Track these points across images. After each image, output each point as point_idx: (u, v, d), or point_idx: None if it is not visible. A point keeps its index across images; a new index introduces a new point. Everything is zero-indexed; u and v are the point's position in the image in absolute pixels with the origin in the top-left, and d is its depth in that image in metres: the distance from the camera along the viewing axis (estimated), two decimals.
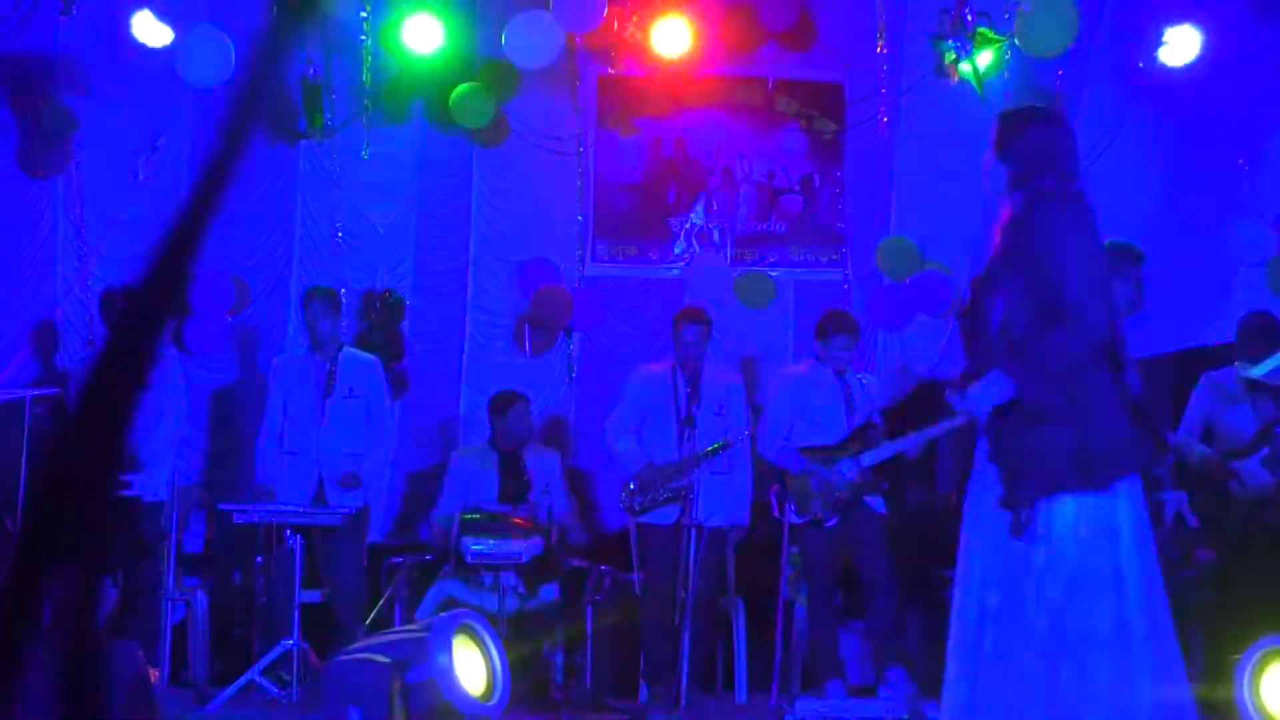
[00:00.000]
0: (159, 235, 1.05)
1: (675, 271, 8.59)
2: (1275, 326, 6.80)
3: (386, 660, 4.89)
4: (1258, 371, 6.41)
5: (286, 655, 6.26)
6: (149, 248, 1.05)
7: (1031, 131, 3.80)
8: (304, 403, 6.90)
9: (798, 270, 8.63)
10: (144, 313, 1.05)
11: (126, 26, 7.68)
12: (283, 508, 6.56)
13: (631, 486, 6.73)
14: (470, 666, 5.12)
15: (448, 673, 4.85)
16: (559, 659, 6.68)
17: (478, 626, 5.22)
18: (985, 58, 7.86)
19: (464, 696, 4.90)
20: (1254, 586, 6.35)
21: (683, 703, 6.23)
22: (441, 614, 5.55)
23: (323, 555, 6.80)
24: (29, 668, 1.01)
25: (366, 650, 5.22)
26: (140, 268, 1.05)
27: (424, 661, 4.84)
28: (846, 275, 8.60)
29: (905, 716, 5.95)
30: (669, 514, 6.59)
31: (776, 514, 6.43)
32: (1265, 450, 6.57)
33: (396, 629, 6.22)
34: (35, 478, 1.08)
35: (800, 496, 6.49)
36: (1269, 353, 6.60)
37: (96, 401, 1.04)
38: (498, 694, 5.12)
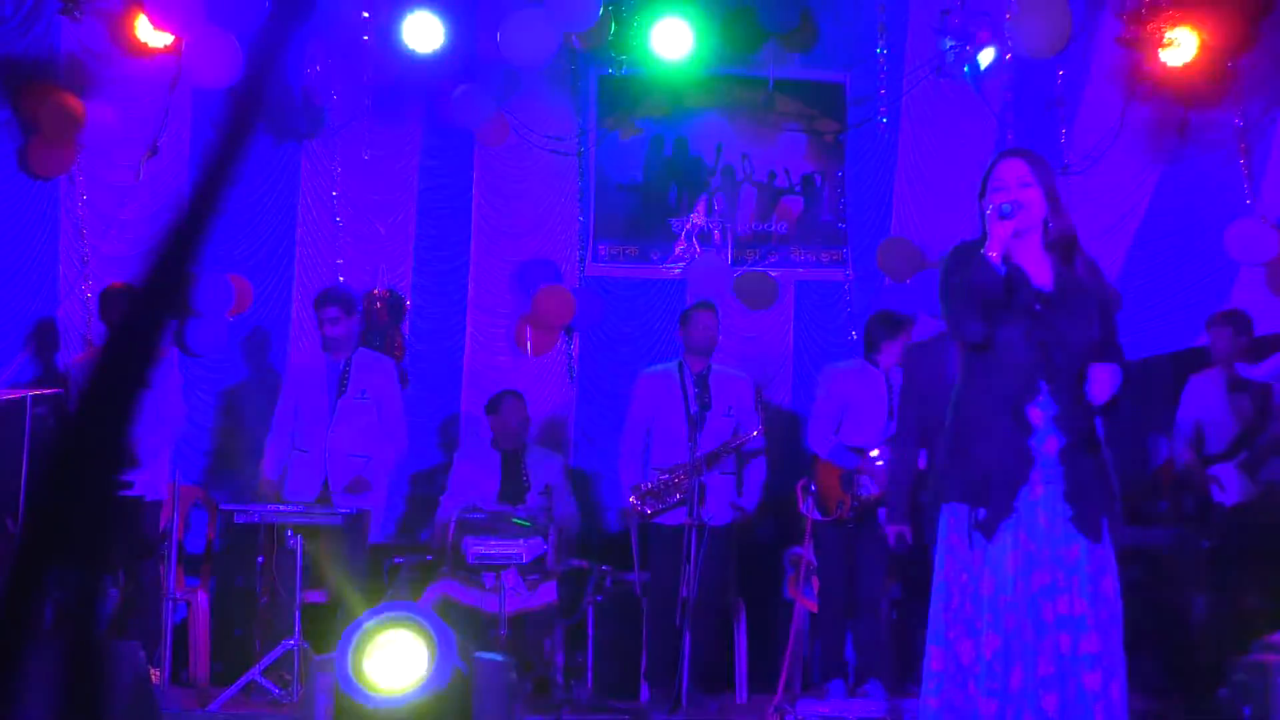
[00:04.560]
0: (159, 235, 1.05)
1: (676, 271, 8.58)
2: (1246, 321, 6.82)
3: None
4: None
5: (288, 655, 6.26)
6: (149, 248, 1.05)
7: None
8: (315, 401, 6.91)
9: (799, 270, 8.63)
10: (144, 313, 1.05)
11: (126, 27, 7.68)
12: (284, 508, 6.55)
13: (643, 488, 6.72)
14: (394, 658, 4.67)
15: (346, 662, 4.63)
16: (559, 659, 6.68)
17: (421, 620, 4.64)
18: (985, 57, 7.86)
19: (356, 688, 4.64)
20: (1237, 590, 6.36)
21: (684, 703, 6.22)
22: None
23: (325, 555, 6.79)
24: (30, 669, 1.00)
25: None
26: (140, 268, 1.05)
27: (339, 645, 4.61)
28: (847, 275, 8.60)
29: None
30: (675, 514, 6.58)
31: (802, 509, 6.41)
32: (1244, 454, 6.57)
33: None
34: (36, 478, 1.07)
35: (828, 495, 6.44)
36: (1239, 346, 6.62)
37: (97, 401, 1.04)
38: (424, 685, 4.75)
